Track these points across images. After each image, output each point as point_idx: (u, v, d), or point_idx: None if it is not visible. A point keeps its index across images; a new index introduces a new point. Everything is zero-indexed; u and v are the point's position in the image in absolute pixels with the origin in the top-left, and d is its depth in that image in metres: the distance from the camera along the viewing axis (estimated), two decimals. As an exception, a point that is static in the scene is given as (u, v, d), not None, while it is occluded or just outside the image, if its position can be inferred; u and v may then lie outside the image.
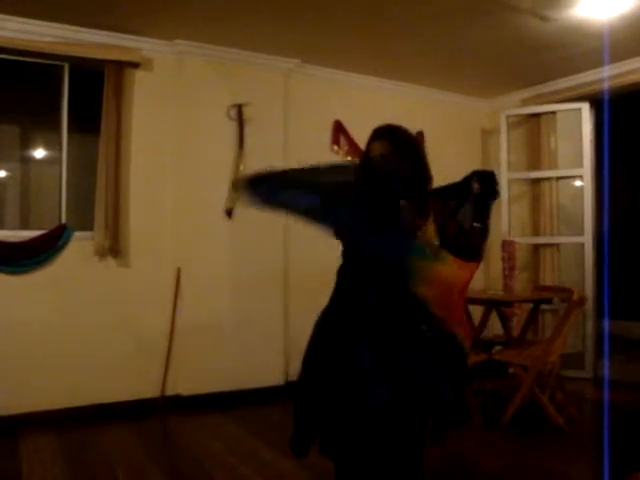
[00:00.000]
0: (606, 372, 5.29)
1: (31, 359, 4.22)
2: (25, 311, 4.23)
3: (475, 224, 2.36)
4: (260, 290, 4.98)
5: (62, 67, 4.49)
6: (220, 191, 4.72)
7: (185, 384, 4.72)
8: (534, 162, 5.91)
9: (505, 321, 4.75)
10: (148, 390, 4.60)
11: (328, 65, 5.35)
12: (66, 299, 4.37)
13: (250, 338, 4.91)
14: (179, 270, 4.71)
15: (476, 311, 4.94)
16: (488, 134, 6.46)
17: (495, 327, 5.25)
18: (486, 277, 6.37)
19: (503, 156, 5.91)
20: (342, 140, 5.46)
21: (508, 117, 5.95)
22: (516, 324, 5.00)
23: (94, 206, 4.43)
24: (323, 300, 5.21)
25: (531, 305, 4.84)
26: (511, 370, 4.48)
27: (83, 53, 4.41)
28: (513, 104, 6.12)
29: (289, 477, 3.34)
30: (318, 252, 5.19)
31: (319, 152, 5.38)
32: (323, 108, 5.42)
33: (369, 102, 5.64)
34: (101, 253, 4.43)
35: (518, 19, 4.24)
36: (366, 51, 5.01)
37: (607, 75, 5.10)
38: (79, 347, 4.39)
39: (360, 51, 4.99)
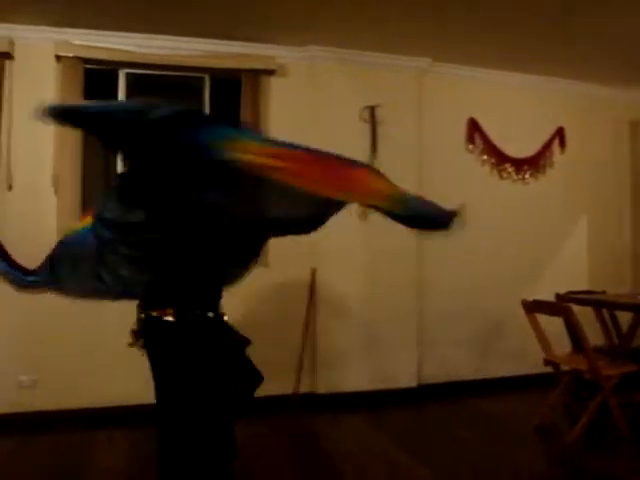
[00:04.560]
0: None
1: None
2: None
3: None
4: (393, 292, 4.99)
5: (203, 79, 4.75)
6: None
7: (320, 382, 4.83)
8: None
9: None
10: (281, 387, 4.71)
11: (460, 62, 5.22)
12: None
13: (383, 340, 4.95)
14: (314, 271, 4.81)
15: (624, 317, 4.62)
16: (638, 126, 5.98)
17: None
18: (635, 279, 5.94)
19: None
20: (477, 138, 5.33)
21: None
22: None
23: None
24: (460, 303, 5.16)
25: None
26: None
27: (222, 64, 4.65)
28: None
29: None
30: (454, 254, 5.16)
31: (454, 151, 5.30)
32: (457, 106, 5.31)
33: (504, 98, 5.47)
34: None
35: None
36: (500, 46, 4.82)
37: None
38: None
39: (493, 46, 4.81)
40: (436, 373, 5.15)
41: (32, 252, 2.73)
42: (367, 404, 4.74)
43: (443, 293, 5.18)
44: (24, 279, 4.03)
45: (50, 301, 4.22)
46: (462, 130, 5.33)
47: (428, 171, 5.06)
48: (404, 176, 4.91)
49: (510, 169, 5.47)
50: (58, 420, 4.13)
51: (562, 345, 4.29)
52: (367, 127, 4.92)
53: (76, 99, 4.31)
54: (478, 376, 5.26)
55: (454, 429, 4.26)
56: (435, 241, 5.02)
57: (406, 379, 5.02)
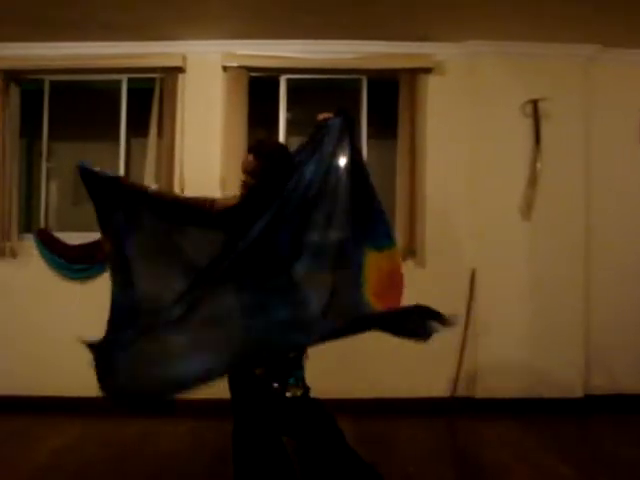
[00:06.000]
0: None
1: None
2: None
3: None
4: (558, 294, 4.70)
5: (360, 80, 4.78)
6: (516, 190, 4.66)
7: (478, 386, 4.68)
8: None
9: None
10: (439, 389, 4.68)
11: (635, 47, 4.78)
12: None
13: (546, 345, 4.69)
14: (474, 271, 4.67)
15: None
16: None
17: None
18: None
19: None
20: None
21: None
22: None
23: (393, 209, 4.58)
24: (633, 307, 4.74)
25: None
26: None
27: (379, 65, 4.68)
28: None
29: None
30: (626, 254, 4.78)
31: (627, 145, 4.88)
32: (630, 95, 4.86)
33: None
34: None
35: None
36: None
37: None
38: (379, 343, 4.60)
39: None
40: (606, 384, 4.77)
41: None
42: (527, 412, 4.52)
43: (613, 295, 4.79)
44: None
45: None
46: (636, 121, 4.90)
47: (598, 167, 4.75)
48: (571, 173, 4.72)
49: (693, 162, 4.94)
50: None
51: None
52: (529, 122, 4.69)
53: (242, 106, 4.59)
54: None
55: (619, 446, 3.89)
56: (604, 241, 4.72)
57: (571, 388, 4.70)
